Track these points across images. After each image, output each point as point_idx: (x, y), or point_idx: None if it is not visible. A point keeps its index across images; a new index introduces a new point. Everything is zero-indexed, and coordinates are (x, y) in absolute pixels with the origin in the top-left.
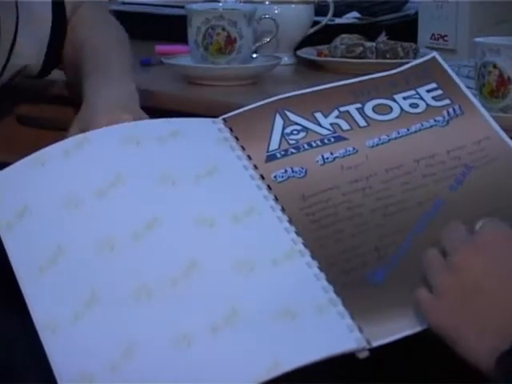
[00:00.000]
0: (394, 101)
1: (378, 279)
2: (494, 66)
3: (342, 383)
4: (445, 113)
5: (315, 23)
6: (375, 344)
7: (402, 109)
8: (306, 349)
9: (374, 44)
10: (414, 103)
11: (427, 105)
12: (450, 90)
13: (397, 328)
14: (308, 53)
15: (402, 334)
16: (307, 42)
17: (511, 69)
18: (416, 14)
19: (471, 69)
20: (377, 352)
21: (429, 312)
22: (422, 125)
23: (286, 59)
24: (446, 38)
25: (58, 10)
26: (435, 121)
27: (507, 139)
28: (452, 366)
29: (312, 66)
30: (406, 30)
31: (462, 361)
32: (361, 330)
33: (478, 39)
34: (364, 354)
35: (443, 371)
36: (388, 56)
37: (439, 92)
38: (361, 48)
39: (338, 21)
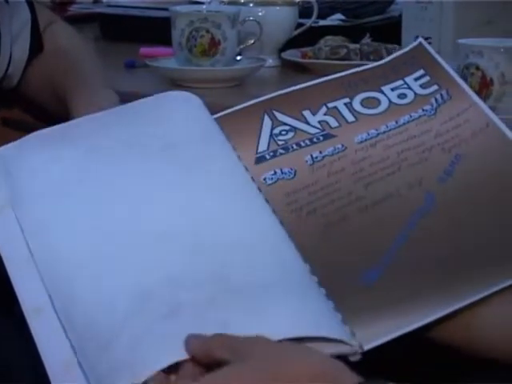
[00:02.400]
0: (382, 93)
1: (371, 280)
2: (477, 68)
3: None
4: (433, 100)
5: (299, 25)
6: (367, 347)
7: (390, 101)
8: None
9: (358, 46)
10: (402, 94)
11: (415, 94)
12: (438, 75)
13: (388, 329)
14: (292, 55)
15: (393, 335)
16: (291, 43)
17: (494, 70)
18: (400, 15)
19: (455, 70)
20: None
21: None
22: (411, 116)
23: (271, 61)
24: (429, 40)
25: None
26: (423, 110)
27: (496, 120)
28: (439, 365)
29: (296, 68)
30: (391, 32)
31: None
32: (353, 333)
33: (460, 41)
34: (356, 358)
35: (431, 370)
36: (372, 58)
37: (427, 78)
38: (345, 50)
39: (322, 23)
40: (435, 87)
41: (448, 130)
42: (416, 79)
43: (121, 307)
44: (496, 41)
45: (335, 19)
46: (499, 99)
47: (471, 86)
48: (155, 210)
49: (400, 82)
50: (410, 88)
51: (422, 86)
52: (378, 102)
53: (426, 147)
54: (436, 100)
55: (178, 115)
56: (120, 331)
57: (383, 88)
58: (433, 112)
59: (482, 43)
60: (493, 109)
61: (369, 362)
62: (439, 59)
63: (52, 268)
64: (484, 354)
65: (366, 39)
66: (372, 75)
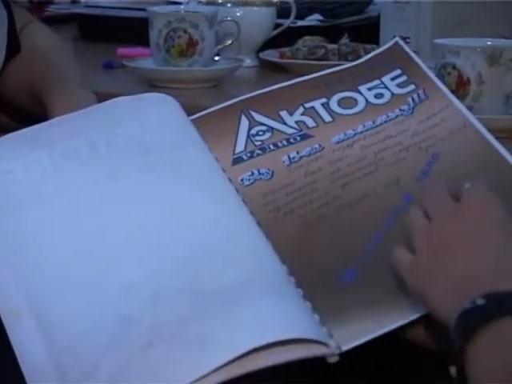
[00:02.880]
0: (359, 93)
1: (348, 280)
2: (454, 67)
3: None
4: (410, 100)
5: (277, 25)
6: (345, 348)
7: (367, 101)
8: (274, 349)
9: (336, 46)
10: (378, 93)
11: (392, 94)
12: (414, 75)
13: (366, 330)
14: (270, 55)
15: (371, 336)
16: (270, 44)
17: (470, 70)
18: (378, 16)
19: (433, 70)
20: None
21: (406, 270)
22: (388, 116)
23: (249, 61)
24: (408, 40)
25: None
26: (400, 110)
27: (473, 120)
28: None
29: (274, 68)
30: (369, 32)
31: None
32: (331, 335)
33: (437, 40)
34: (334, 359)
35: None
36: (350, 58)
37: (404, 78)
38: (323, 50)
39: (300, 23)
40: (412, 87)
41: (425, 130)
42: (393, 79)
43: (104, 334)
44: (473, 41)
45: (313, 19)
46: (476, 99)
47: (448, 86)
48: (134, 225)
49: (377, 82)
50: (386, 88)
51: (399, 86)
52: (355, 101)
53: (403, 147)
54: (413, 99)
55: (155, 117)
56: (101, 362)
57: (360, 88)
58: (410, 111)
59: (458, 43)
60: (470, 108)
61: (347, 363)
62: (416, 58)
63: (33, 288)
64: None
65: (344, 39)
66: (349, 75)
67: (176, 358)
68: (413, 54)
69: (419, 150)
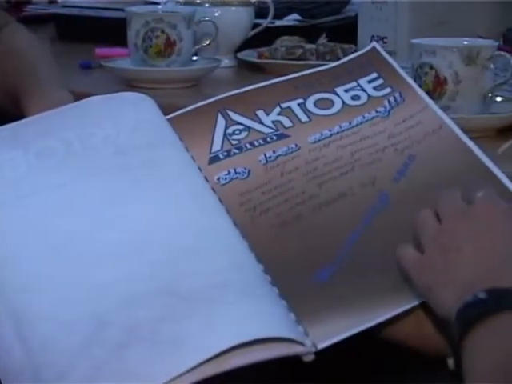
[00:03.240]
0: (336, 94)
1: (324, 279)
2: (431, 67)
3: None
4: (386, 102)
5: (256, 25)
6: (321, 346)
7: (343, 102)
8: (249, 348)
9: (314, 46)
10: (355, 95)
11: (368, 96)
12: (391, 79)
13: (342, 328)
14: (249, 55)
15: (347, 334)
16: (248, 44)
17: (447, 69)
18: (356, 16)
19: (410, 70)
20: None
21: (413, 269)
22: (364, 117)
23: (227, 61)
24: (385, 40)
25: None
26: (377, 112)
27: (448, 122)
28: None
29: (253, 68)
30: (347, 32)
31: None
32: (306, 333)
33: (414, 40)
34: (310, 358)
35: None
36: (328, 58)
37: (380, 81)
38: (301, 50)
39: (278, 23)
40: (388, 90)
41: (401, 132)
42: (369, 81)
43: (78, 334)
44: (449, 40)
45: (291, 19)
46: (453, 98)
47: (425, 85)
48: (109, 225)
49: (353, 84)
50: (363, 90)
51: (376, 89)
52: (332, 102)
53: (380, 148)
54: (389, 102)
55: (131, 117)
56: (76, 361)
57: (337, 89)
58: (386, 113)
59: (435, 43)
60: (447, 108)
61: (323, 361)
62: (393, 63)
63: (8, 288)
64: (437, 353)
65: (322, 39)
66: (325, 76)
67: (151, 358)
68: (390, 59)
69: (395, 151)
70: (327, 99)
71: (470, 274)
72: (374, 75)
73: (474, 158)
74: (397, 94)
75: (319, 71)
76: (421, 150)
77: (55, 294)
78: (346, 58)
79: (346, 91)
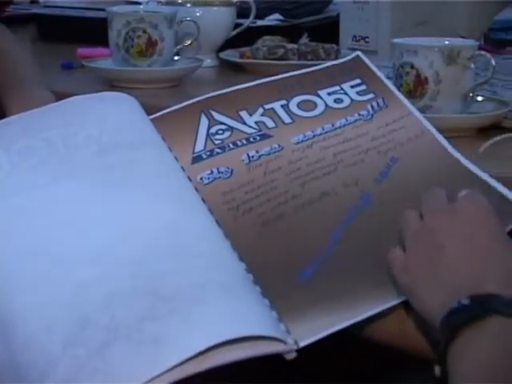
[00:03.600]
0: (319, 96)
1: (306, 277)
2: (412, 67)
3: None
4: (369, 107)
5: (237, 25)
6: (302, 344)
7: (326, 104)
8: (230, 347)
9: (296, 46)
10: (338, 98)
11: (351, 99)
12: (374, 85)
13: (323, 326)
14: (230, 55)
15: (328, 332)
16: (229, 44)
17: (428, 69)
18: (338, 15)
19: (391, 69)
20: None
21: (398, 270)
22: (347, 120)
23: (209, 61)
24: (367, 40)
25: None
26: (360, 115)
27: (431, 128)
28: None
29: (234, 68)
30: (328, 32)
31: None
32: (288, 331)
33: (395, 40)
34: (291, 356)
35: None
36: (310, 57)
37: (363, 87)
38: (282, 50)
39: (260, 23)
40: (371, 95)
41: (384, 135)
42: (352, 86)
43: (60, 334)
44: (430, 40)
45: (273, 19)
46: (434, 98)
47: (406, 85)
48: (90, 224)
49: (336, 88)
50: (346, 94)
51: (359, 93)
52: (315, 104)
53: (362, 149)
54: (372, 106)
55: (113, 116)
56: (58, 360)
57: (320, 92)
58: (369, 117)
59: (416, 42)
60: (428, 107)
61: (304, 359)
62: (376, 70)
63: None
64: (419, 352)
65: (304, 39)
66: (307, 79)
67: (133, 357)
68: (373, 67)
69: (378, 153)
70: (310, 101)
71: (454, 276)
72: (358, 81)
73: (454, 161)
74: (380, 100)
75: (301, 74)
76: (403, 152)
77: (37, 293)
78: (329, 63)
79: (329, 94)
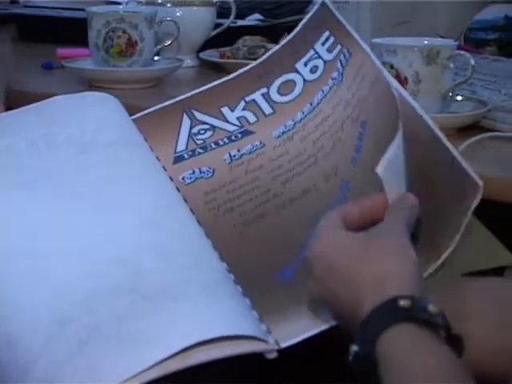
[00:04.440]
0: (297, 72)
1: (288, 277)
2: (391, 67)
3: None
4: (338, 65)
5: (218, 25)
6: (284, 344)
7: (304, 79)
8: (212, 346)
9: (276, 46)
10: (314, 66)
11: (324, 62)
12: (340, 35)
13: (305, 327)
14: (210, 55)
15: (310, 333)
16: (210, 44)
17: (408, 69)
18: None
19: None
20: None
21: (313, 297)
22: (323, 91)
23: (189, 61)
24: None
25: None
26: (332, 79)
27: (384, 73)
28: None
29: (215, 68)
30: None
31: None
32: (269, 331)
33: (375, 40)
34: (272, 355)
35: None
36: None
37: (332, 40)
38: (263, 50)
39: (240, 23)
40: (339, 47)
41: (353, 95)
42: (323, 43)
43: (41, 332)
44: (410, 40)
45: (253, 19)
46: (414, 97)
47: None
48: (71, 224)
49: (311, 53)
50: (319, 57)
51: (329, 50)
52: (294, 84)
53: (339, 125)
54: (341, 63)
55: (95, 116)
56: (38, 358)
57: (297, 65)
58: (340, 78)
59: (396, 42)
60: None
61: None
62: (339, 17)
63: None
64: None
65: (284, 39)
66: (286, 54)
67: (114, 354)
68: (338, 15)
69: (352, 122)
70: (289, 81)
71: (351, 296)
72: (327, 34)
73: (411, 108)
74: (345, 50)
75: (279, 49)
76: (369, 111)
77: (16, 292)
78: (300, 25)
79: (306, 64)
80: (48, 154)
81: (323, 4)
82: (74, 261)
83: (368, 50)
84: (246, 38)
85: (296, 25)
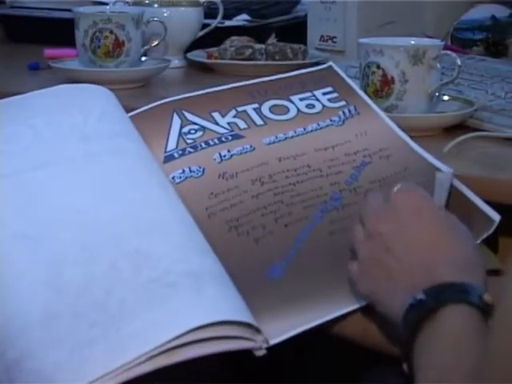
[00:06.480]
0: (291, 101)
1: (275, 276)
2: (378, 67)
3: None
4: (340, 113)
5: (205, 26)
6: (273, 342)
7: (298, 109)
8: (201, 342)
9: (263, 46)
10: (310, 104)
11: (323, 106)
12: (346, 93)
13: (293, 324)
14: (198, 55)
15: (299, 330)
16: (197, 44)
17: (394, 69)
18: (306, 15)
19: (358, 69)
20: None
21: (356, 281)
22: (319, 124)
23: (176, 62)
24: (334, 40)
25: None
26: (331, 120)
27: (401, 134)
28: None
29: (202, 69)
30: (296, 32)
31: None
32: (258, 329)
33: (361, 40)
34: (261, 352)
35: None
36: (277, 58)
37: (335, 95)
38: (250, 50)
39: (227, 23)
40: (343, 103)
41: (356, 137)
42: (324, 94)
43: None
44: (396, 40)
45: (241, 20)
46: (400, 98)
47: (373, 84)
48: (72, 210)
49: (308, 94)
50: (318, 100)
51: (330, 101)
52: (287, 109)
53: (334, 154)
54: (344, 113)
55: (97, 106)
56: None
57: (292, 97)
58: (340, 123)
59: (382, 42)
60: (394, 107)
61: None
62: (348, 80)
63: None
64: (384, 349)
65: (272, 39)
66: (279, 86)
67: (100, 347)
68: (345, 76)
69: (349, 156)
70: (282, 106)
71: (406, 275)
72: (329, 89)
73: (424, 162)
74: (351, 108)
75: (273, 80)
76: (373, 156)
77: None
78: (300, 71)
79: (301, 100)
80: (51, 141)
81: (330, 67)
82: (71, 244)
83: (382, 114)
84: (234, 38)
85: (283, 25)
